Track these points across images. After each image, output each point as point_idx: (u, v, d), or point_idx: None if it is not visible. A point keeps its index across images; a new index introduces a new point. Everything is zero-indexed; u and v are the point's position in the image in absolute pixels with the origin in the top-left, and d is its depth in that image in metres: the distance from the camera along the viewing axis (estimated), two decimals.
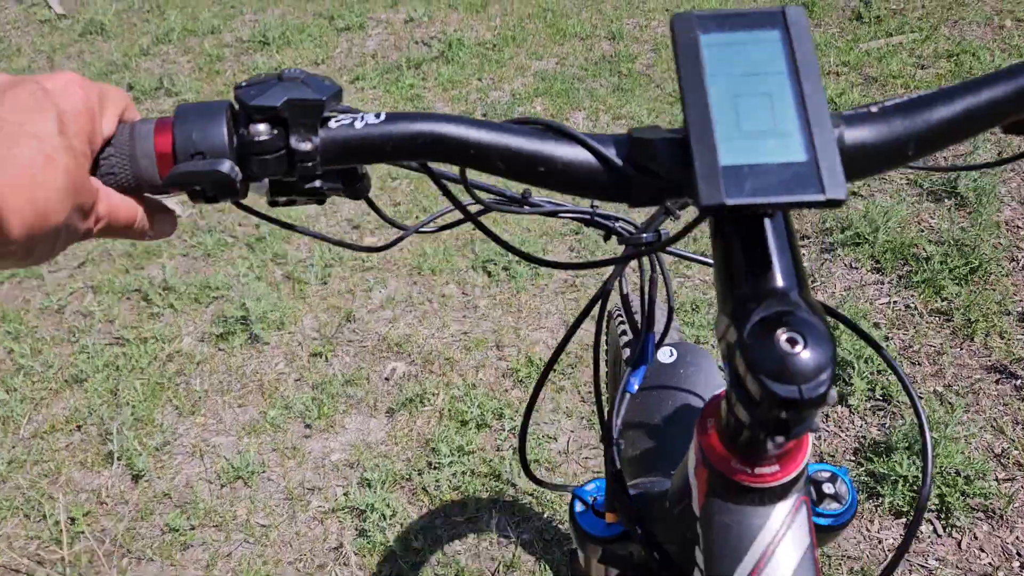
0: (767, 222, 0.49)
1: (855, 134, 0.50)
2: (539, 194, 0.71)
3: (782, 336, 0.44)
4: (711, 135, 0.45)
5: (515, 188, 0.69)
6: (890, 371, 0.99)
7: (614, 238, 0.77)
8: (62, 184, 0.42)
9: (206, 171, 0.49)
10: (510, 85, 3.27)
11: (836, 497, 0.66)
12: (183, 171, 0.49)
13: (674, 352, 0.96)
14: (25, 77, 0.44)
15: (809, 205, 0.43)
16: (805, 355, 0.44)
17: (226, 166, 0.49)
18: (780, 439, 0.47)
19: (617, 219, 0.77)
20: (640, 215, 0.84)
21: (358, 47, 3.67)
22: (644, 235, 0.67)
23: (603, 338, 0.83)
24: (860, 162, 0.50)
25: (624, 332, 1.08)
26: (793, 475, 0.52)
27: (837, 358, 0.55)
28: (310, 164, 0.51)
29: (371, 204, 0.62)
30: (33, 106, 0.43)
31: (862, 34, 3.36)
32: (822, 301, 0.60)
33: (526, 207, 0.72)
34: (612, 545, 0.72)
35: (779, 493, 0.53)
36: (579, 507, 0.74)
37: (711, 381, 0.93)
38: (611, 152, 0.50)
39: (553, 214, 0.74)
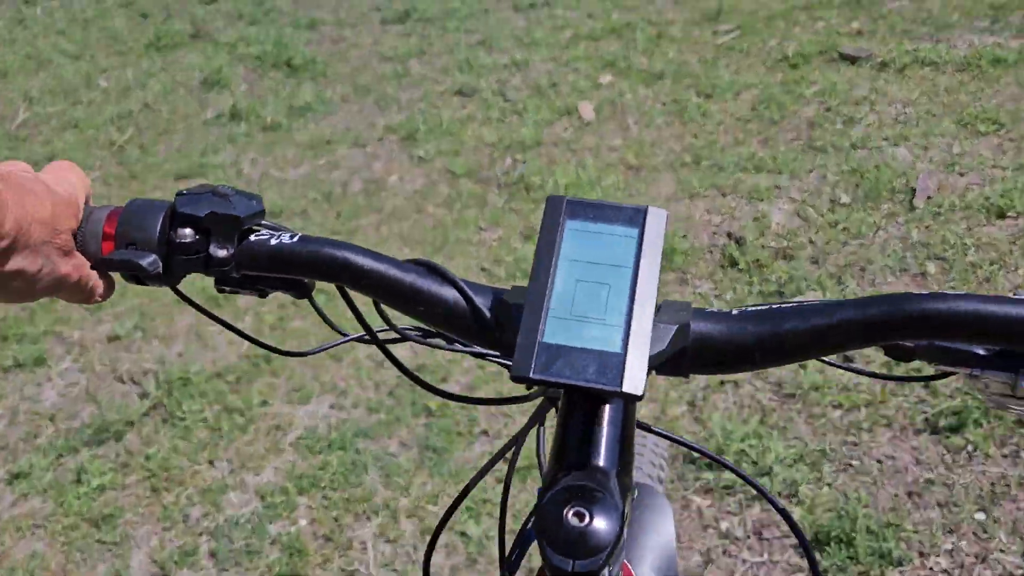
0: (606, 404, 0.51)
1: (702, 329, 0.53)
2: None
3: (570, 510, 0.46)
4: (541, 312, 0.50)
5: None
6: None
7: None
8: (48, 215, 0.54)
9: (130, 261, 0.57)
10: (259, 476, 2.07)
11: None
12: (113, 257, 0.58)
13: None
14: (29, 168, 0.58)
15: (607, 394, 0.48)
16: (587, 530, 0.46)
17: (148, 260, 0.57)
18: None
19: None
20: None
21: (29, 403, 2.39)
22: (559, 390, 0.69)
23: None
24: (704, 359, 0.53)
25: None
26: None
27: (621, 538, 0.48)
28: (226, 268, 0.59)
29: (313, 305, 0.66)
30: (31, 178, 0.55)
31: (741, 292, 2.47)
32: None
33: (455, 344, 0.72)
34: None
35: None
36: None
37: (659, 521, 0.94)
38: (484, 304, 0.55)
39: (478, 355, 0.73)
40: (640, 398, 0.47)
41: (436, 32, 4.52)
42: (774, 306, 0.54)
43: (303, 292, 0.62)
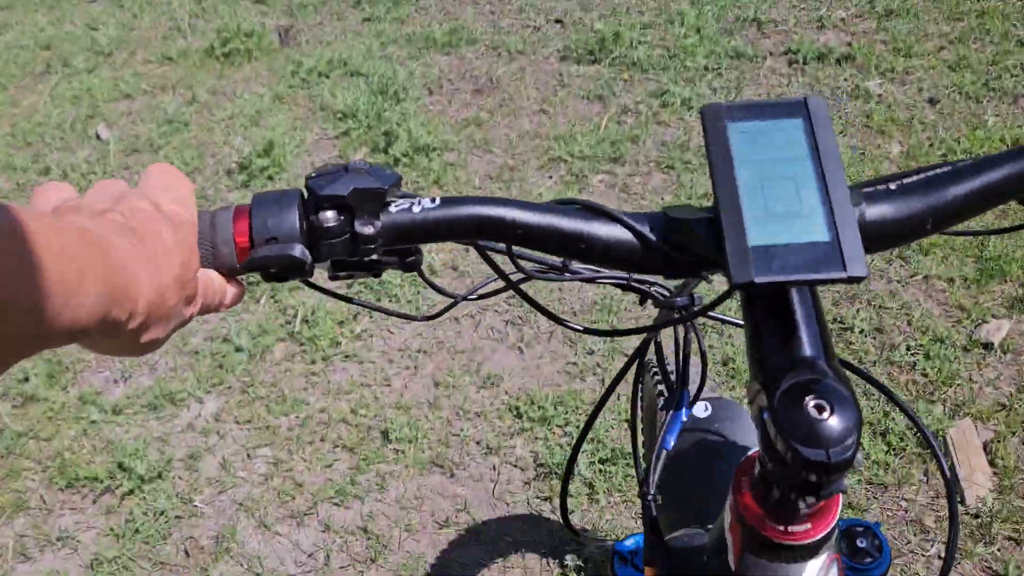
0: (794, 294, 0.52)
1: (876, 211, 0.53)
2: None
3: (810, 403, 0.47)
4: (740, 217, 0.49)
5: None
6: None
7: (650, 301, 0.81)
8: (178, 273, 0.48)
9: (280, 256, 0.53)
10: None
11: (869, 551, 0.66)
12: (259, 256, 0.54)
13: (709, 407, 0.97)
14: (135, 190, 0.51)
15: (832, 282, 0.48)
16: (832, 421, 0.47)
17: (297, 250, 0.53)
18: (811, 500, 0.51)
19: (652, 283, 0.80)
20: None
21: None
22: (678, 299, 0.72)
23: (639, 393, 0.92)
24: (881, 237, 0.54)
25: (660, 388, 1.04)
26: (824, 533, 0.54)
27: (862, 423, 0.50)
28: (372, 246, 0.55)
29: (423, 276, 0.65)
30: (149, 216, 0.48)
31: None
32: (847, 360, 0.66)
33: (566, 274, 0.74)
34: None
35: (811, 550, 0.55)
36: (619, 562, 0.77)
37: (746, 435, 0.95)
38: (647, 230, 0.54)
39: (592, 280, 0.76)
40: (865, 279, 0.47)
41: None
42: (931, 174, 0.54)
43: (414, 265, 0.61)
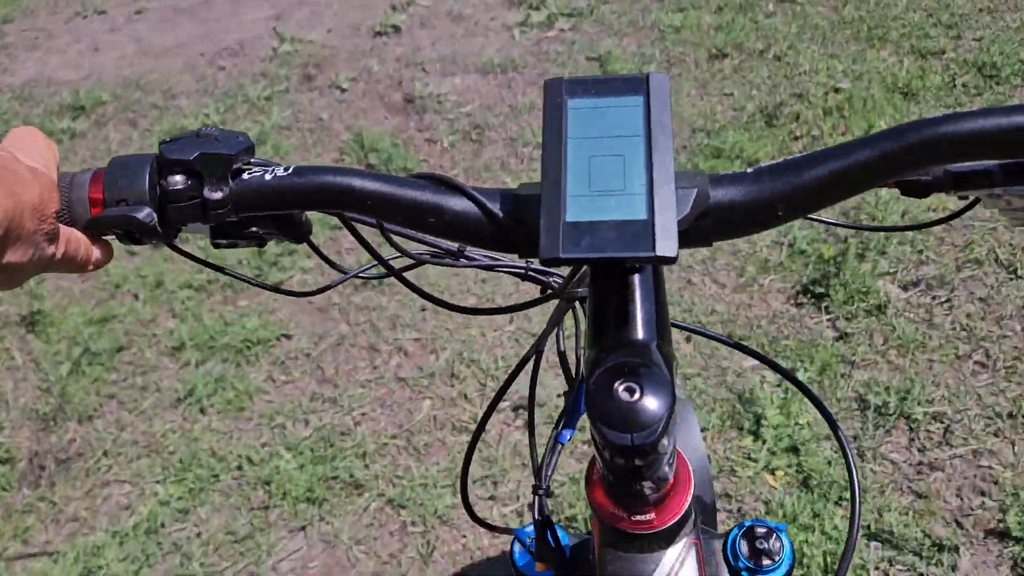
0: (636, 276, 0.52)
1: (722, 193, 0.52)
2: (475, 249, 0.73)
3: (620, 386, 0.47)
4: (560, 193, 0.49)
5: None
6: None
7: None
8: (36, 202, 0.51)
9: (124, 217, 0.55)
10: None
11: (770, 553, 0.66)
12: (105, 216, 0.56)
13: None
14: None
15: (640, 261, 0.47)
16: (640, 404, 0.46)
17: (143, 213, 0.55)
18: (644, 485, 0.50)
19: (551, 274, 0.78)
20: None
21: None
22: (580, 290, 0.69)
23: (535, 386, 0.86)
24: (727, 222, 0.52)
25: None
26: (674, 521, 0.53)
27: (673, 409, 0.48)
28: (222, 211, 0.56)
29: (313, 247, 0.65)
30: (11, 160, 0.51)
31: None
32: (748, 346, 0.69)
33: (461, 260, 0.73)
34: None
35: (664, 538, 0.54)
36: (519, 549, 0.75)
37: (690, 431, 0.96)
38: (495, 206, 0.54)
39: (489, 268, 0.75)
40: (674, 260, 0.46)
41: None
42: (788, 159, 0.52)
43: (301, 235, 0.61)
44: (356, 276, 0.73)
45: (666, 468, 0.51)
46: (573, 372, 0.79)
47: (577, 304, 0.69)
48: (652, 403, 0.46)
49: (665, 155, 0.49)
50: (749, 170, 0.53)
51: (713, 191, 0.52)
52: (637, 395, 0.46)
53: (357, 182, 0.55)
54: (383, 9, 3.81)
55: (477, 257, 0.74)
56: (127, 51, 3.86)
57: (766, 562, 0.67)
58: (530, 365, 0.78)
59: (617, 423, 0.46)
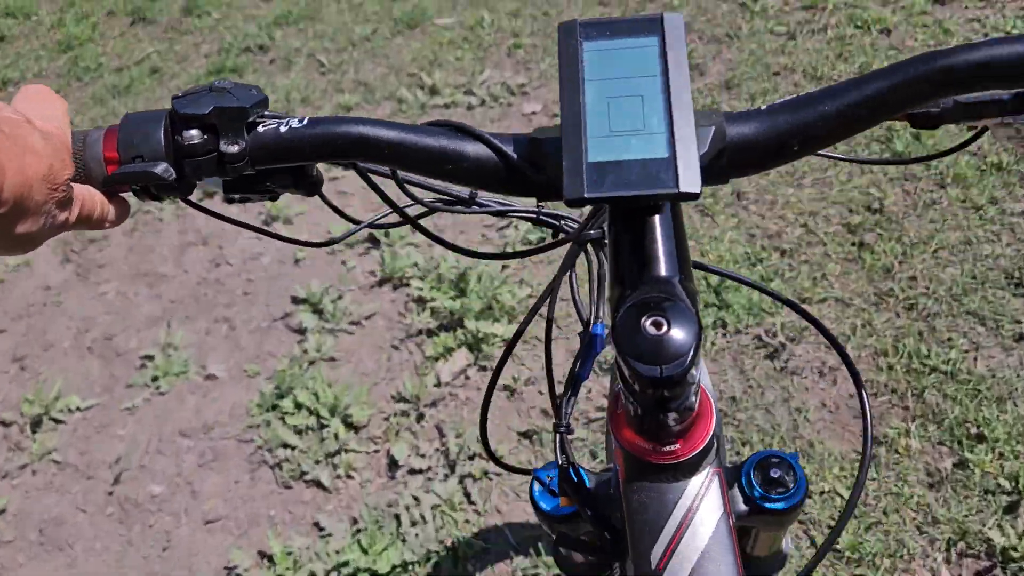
0: (656, 214, 0.52)
1: (738, 130, 0.53)
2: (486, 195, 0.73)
3: (647, 320, 0.48)
4: (581, 134, 0.50)
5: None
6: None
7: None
8: (45, 172, 0.51)
9: (142, 172, 0.56)
10: None
11: (783, 482, 0.66)
12: (122, 172, 0.56)
13: None
14: (7, 106, 0.53)
15: (664, 198, 0.48)
16: (667, 337, 0.47)
17: (160, 168, 0.55)
18: (670, 416, 0.51)
19: (563, 217, 0.78)
20: None
21: None
22: (591, 232, 0.69)
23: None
24: (744, 158, 0.53)
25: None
26: (699, 450, 0.54)
27: (700, 340, 0.49)
28: (239, 164, 0.56)
29: (324, 199, 0.66)
30: (21, 126, 0.51)
31: None
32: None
33: (473, 207, 0.72)
34: (565, 526, 0.71)
35: (689, 468, 0.54)
36: (538, 488, 0.75)
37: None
38: (511, 150, 0.55)
39: (500, 214, 0.74)
40: (697, 196, 0.47)
41: None
42: (801, 95, 0.53)
43: (313, 188, 0.61)
44: (370, 226, 0.74)
45: (692, 398, 0.52)
46: (587, 314, 0.81)
47: (589, 246, 0.71)
48: (680, 335, 0.47)
49: (683, 94, 0.50)
50: (763, 107, 0.54)
51: (729, 128, 0.52)
52: (665, 328, 0.47)
53: (373, 131, 0.55)
54: None
55: (489, 203, 0.75)
56: None
57: (780, 490, 0.68)
58: (545, 308, 0.77)
59: (647, 356, 0.47)
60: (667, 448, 0.54)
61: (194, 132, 0.55)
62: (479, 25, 3.25)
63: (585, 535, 0.72)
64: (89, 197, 0.56)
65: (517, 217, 0.77)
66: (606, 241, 0.68)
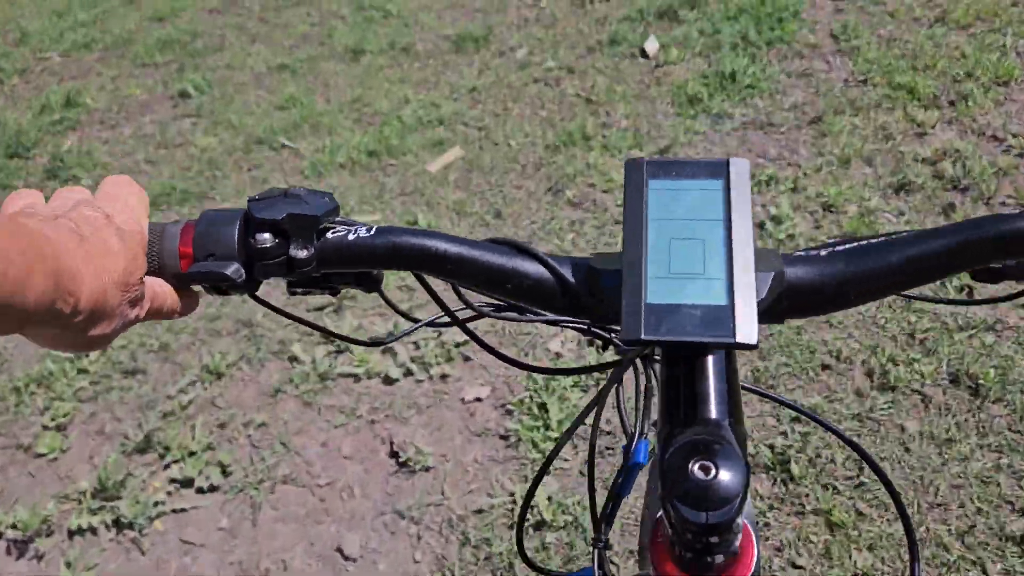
0: (710, 356, 0.51)
1: (797, 274, 0.53)
2: None
3: (695, 464, 0.47)
4: (641, 274, 0.50)
5: None
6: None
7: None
8: (120, 276, 0.52)
9: (214, 272, 0.57)
10: None
11: None
12: (196, 271, 0.57)
13: None
14: (92, 199, 0.55)
15: (719, 347, 0.50)
16: (715, 483, 0.46)
17: (232, 268, 0.57)
18: (710, 559, 0.50)
19: (613, 329, 0.76)
20: None
21: None
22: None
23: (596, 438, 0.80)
24: (802, 302, 0.53)
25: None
26: None
27: (749, 486, 0.48)
28: (307, 269, 0.58)
29: (384, 298, 0.67)
30: (100, 224, 0.52)
31: None
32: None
33: (527, 314, 0.72)
34: None
35: None
36: None
37: None
38: (569, 275, 0.56)
39: (553, 323, 0.72)
40: (755, 347, 0.47)
41: None
42: (862, 242, 0.54)
43: (374, 285, 0.63)
44: (427, 325, 0.74)
45: (736, 543, 0.51)
46: (632, 426, 0.81)
47: (638, 361, 0.71)
48: (728, 480, 0.46)
49: (745, 241, 0.50)
50: (823, 252, 0.54)
51: (788, 270, 0.53)
52: (713, 473, 0.46)
53: (437, 244, 0.56)
54: None
55: (541, 312, 0.74)
56: None
57: None
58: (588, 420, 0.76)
59: (693, 501, 0.46)
60: None
61: (266, 236, 0.57)
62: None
63: None
64: (160, 291, 0.58)
65: (568, 327, 0.77)
66: (656, 357, 0.68)
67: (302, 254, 0.57)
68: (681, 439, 0.48)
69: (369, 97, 3.60)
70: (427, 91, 3.58)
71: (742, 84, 3.09)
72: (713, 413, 0.50)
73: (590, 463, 0.75)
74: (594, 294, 0.54)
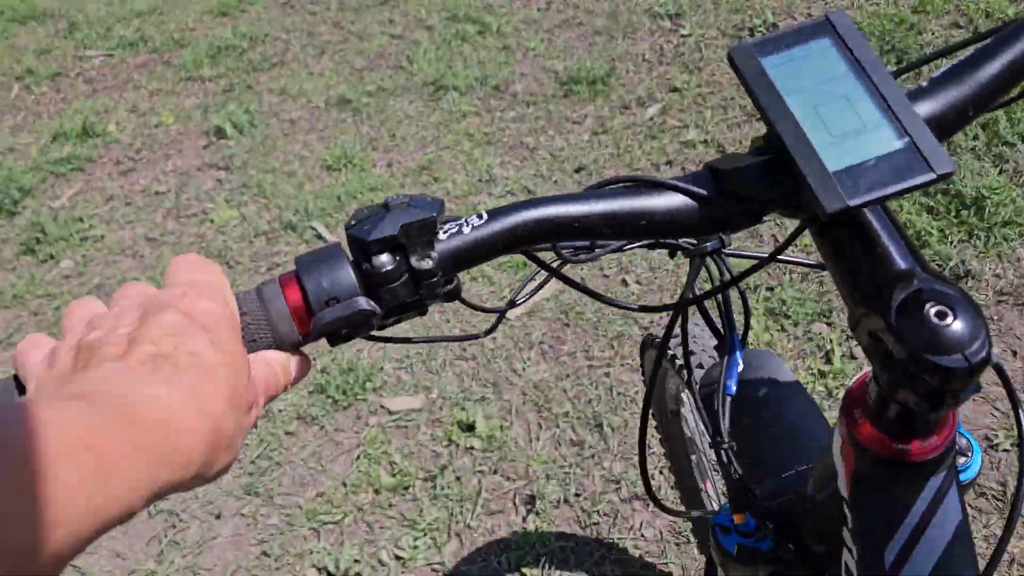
0: (869, 213, 0.50)
1: (923, 109, 0.52)
2: None
3: (931, 311, 0.46)
4: (809, 146, 0.48)
5: None
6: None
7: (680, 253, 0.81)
8: (226, 394, 0.43)
9: (348, 314, 0.50)
10: None
11: (962, 451, 0.64)
12: (327, 320, 0.50)
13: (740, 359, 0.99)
14: (161, 296, 0.46)
15: (924, 186, 0.46)
16: (958, 324, 0.46)
17: (363, 303, 0.51)
18: (942, 409, 0.49)
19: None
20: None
21: None
22: (708, 244, 0.73)
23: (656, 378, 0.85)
24: (945, 128, 0.52)
25: (680, 368, 1.07)
26: (946, 447, 0.53)
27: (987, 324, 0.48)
28: (434, 279, 0.53)
29: (464, 302, 0.65)
30: (182, 329, 0.44)
31: None
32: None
33: (596, 250, 0.72)
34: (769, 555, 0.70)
35: (931, 467, 0.53)
36: (722, 533, 0.73)
37: (783, 376, 0.97)
38: (701, 190, 0.53)
39: (620, 249, 0.75)
40: (953, 173, 0.46)
41: None
42: (955, 62, 0.53)
43: (454, 294, 0.55)
44: (513, 306, 0.70)
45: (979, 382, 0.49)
46: (719, 325, 0.83)
47: (709, 259, 0.71)
48: (969, 319, 0.46)
49: (887, 80, 0.49)
50: (924, 83, 0.52)
51: (918, 106, 0.51)
52: (951, 317, 0.46)
53: (557, 210, 0.52)
54: None
55: (608, 243, 0.71)
56: None
57: (961, 460, 0.65)
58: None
59: (944, 347, 0.45)
60: (925, 444, 0.52)
61: (385, 257, 0.50)
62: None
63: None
64: (269, 369, 0.49)
65: (637, 247, 0.74)
66: (724, 250, 0.75)
67: (427, 264, 0.51)
68: (897, 296, 0.47)
69: (441, 165, 2.70)
70: (519, 163, 2.65)
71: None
72: (904, 264, 0.49)
73: (687, 366, 0.84)
74: (732, 198, 0.51)
